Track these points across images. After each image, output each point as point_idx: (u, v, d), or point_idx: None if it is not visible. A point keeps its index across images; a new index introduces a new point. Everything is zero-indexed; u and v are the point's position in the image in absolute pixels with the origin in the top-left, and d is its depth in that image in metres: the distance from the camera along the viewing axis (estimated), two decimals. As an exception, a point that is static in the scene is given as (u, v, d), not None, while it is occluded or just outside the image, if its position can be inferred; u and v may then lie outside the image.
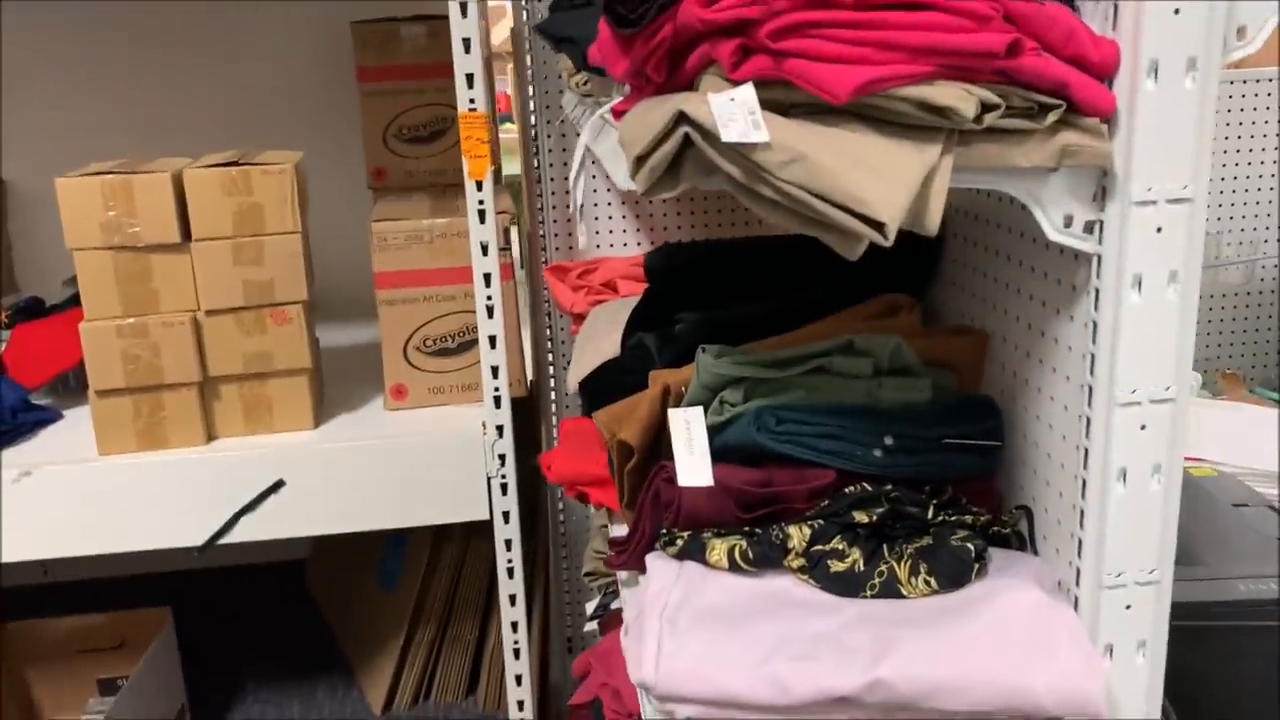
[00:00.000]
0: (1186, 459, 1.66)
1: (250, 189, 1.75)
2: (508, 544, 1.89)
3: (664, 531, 1.01)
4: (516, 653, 1.94)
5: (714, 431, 1.01)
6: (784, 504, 1.00)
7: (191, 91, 2.52)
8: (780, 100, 0.78)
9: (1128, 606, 0.92)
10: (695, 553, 0.98)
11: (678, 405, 1.05)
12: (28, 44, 2.48)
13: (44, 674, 2.15)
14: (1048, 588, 0.95)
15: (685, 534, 1.00)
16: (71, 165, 1.80)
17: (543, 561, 2.36)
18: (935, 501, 1.00)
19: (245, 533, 1.83)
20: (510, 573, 1.91)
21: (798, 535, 0.97)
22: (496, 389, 1.82)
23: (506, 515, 1.87)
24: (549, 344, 2.10)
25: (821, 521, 0.99)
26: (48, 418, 1.93)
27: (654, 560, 1.00)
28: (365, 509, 1.84)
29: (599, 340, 1.48)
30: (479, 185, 1.72)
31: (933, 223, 0.76)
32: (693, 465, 0.99)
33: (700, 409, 1.02)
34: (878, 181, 0.72)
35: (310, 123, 2.51)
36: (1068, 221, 0.86)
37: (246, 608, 2.67)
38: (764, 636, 0.90)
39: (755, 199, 0.75)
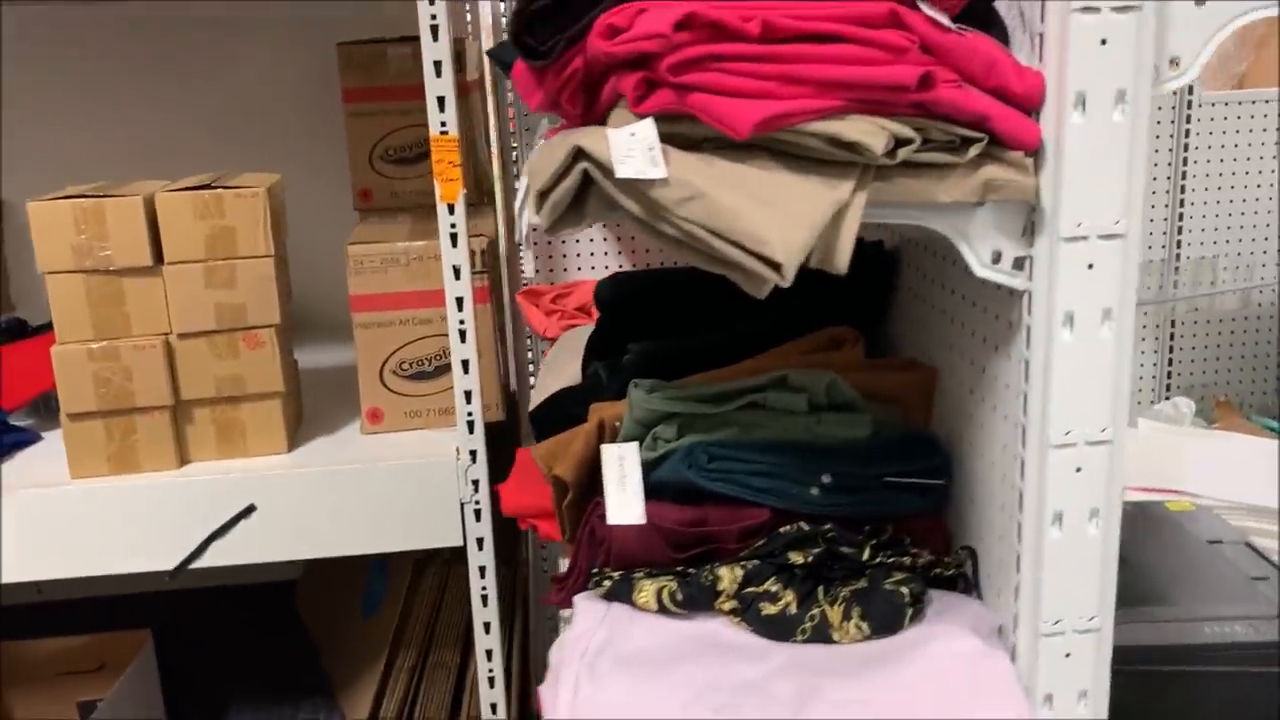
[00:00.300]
0: (1165, 492, 1.63)
1: (223, 212, 1.75)
2: (481, 571, 1.87)
3: (595, 571, 0.99)
4: (491, 681, 1.92)
5: (648, 468, 0.99)
6: (717, 544, 0.97)
7: (185, 112, 2.52)
8: (690, 135, 0.76)
9: (1067, 655, 0.89)
10: (623, 594, 0.96)
11: (614, 440, 1.03)
12: (25, 65, 2.49)
13: (25, 696, 2.15)
14: (985, 635, 0.92)
15: (616, 574, 0.98)
16: (70, 179, 1.81)
17: (523, 587, 2.33)
18: (873, 542, 0.97)
19: (217, 557, 1.82)
20: (485, 600, 1.88)
21: (729, 576, 0.95)
22: (470, 414, 1.80)
23: (481, 542, 1.85)
24: (530, 368, 2.08)
25: (756, 562, 0.96)
26: (26, 439, 1.93)
27: (581, 601, 0.97)
28: (337, 534, 1.83)
29: (561, 367, 1.46)
30: (450, 209, 1.71)
31: (841, 261, 0.74)
32: (624, 503, 0.97)
33: (635, 445, 0.99)
34: (779, 220, 0.70)
35: (300, 143, 2.51)
36: (996, 257, 0.83)
37: (236, 628, 2.66)
38: (687, 684, 0.87)
39: (658, 236, 0.73)
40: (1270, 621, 1.19)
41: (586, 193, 0.74)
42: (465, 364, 1.77)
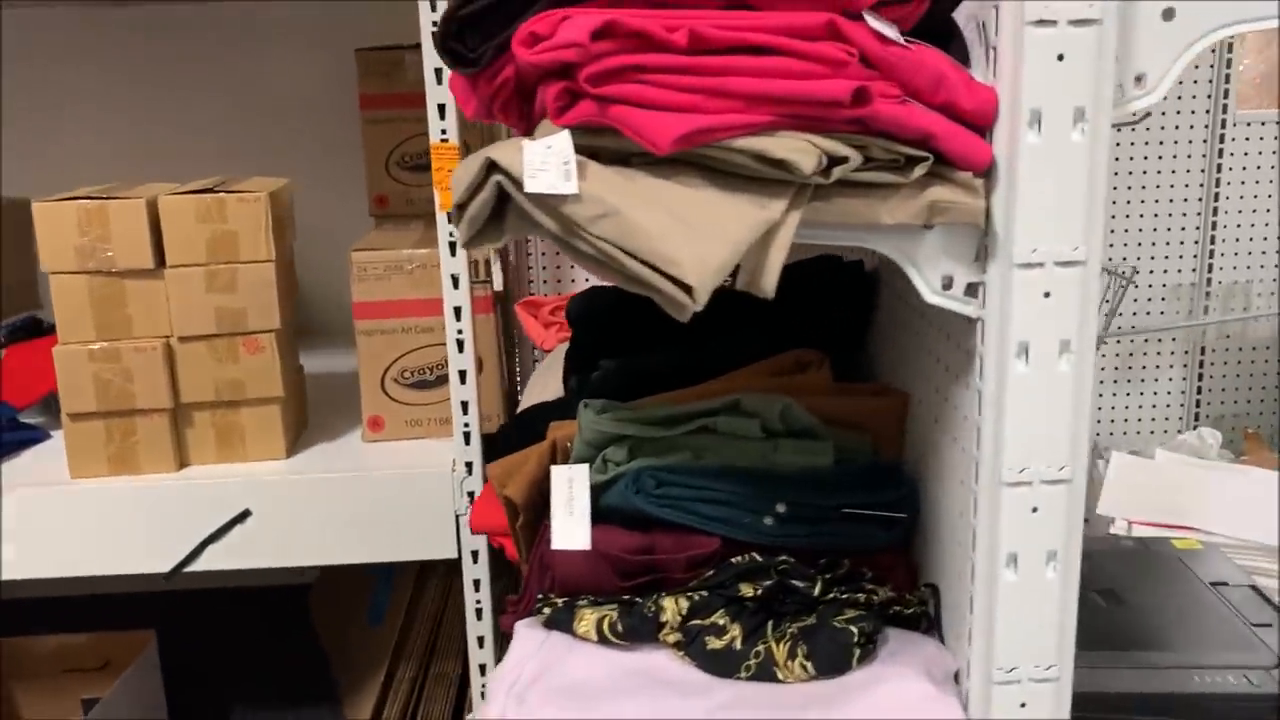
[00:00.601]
0: (1175, 528, 1.55)
1: (225, 216, 1.75)
2: (476, 584, 1.84)
3: (540, 596, 0.96)
4: (485, 695, 1.89)
5: (597, 491, 0.95)
6: (664, 573, 0.93)
7: (204, 116, 2.54)
8: (619, 149, 0.73)
9: (1022, 704, 0.84)
10: (564, 623, 0.92)
11: (566, 461, 0.99)
12: (47, 67, 2.53)
13: (31, 692, 2.17)
14: (939, 679, 0.87)
15: (560, 601, 0.94)
16: (79, 177, 1.82)
17: (528, 600, 2.31)
18: (827, 576, 0.92)
19: (212, 561, 1.81)
20: (479, 614, 1.86)
21: (672, 608, 0.91)
22: (467, 425, 1.78)
23: (475, 555, 1.83)
24: (534, 379, 2.05)
25: (704, 593, 0.92)
26: (34, 437, 1.95)
27: (521, 628, 0.94)
28: (331, 542, 1.82)
29: (548, 381, 1.44)
30: (449, 217, 1.69)
31: (768, 284, 0.70)
32: (569, 527, 0.93)
33: (585, 467, 0.96)
34: (696, 240, 0.66)
35: (319, 149, 2.51)
36: (947, 283, 0.79)
37: (247, 631, 2.66)
38: (619, 720, 0.84)
39: (575, 253, 0.70)
40: (1269, 673, 1.12)
41: (505, 207, 0.71)
42: (463, 374, 1.75)
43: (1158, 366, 2.05)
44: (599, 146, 0.72)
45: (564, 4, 0.72)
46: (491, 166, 0.69)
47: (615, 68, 0.69)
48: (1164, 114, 1.98)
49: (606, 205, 0.67)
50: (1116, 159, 1.98)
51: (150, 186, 1.84)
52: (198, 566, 1.82)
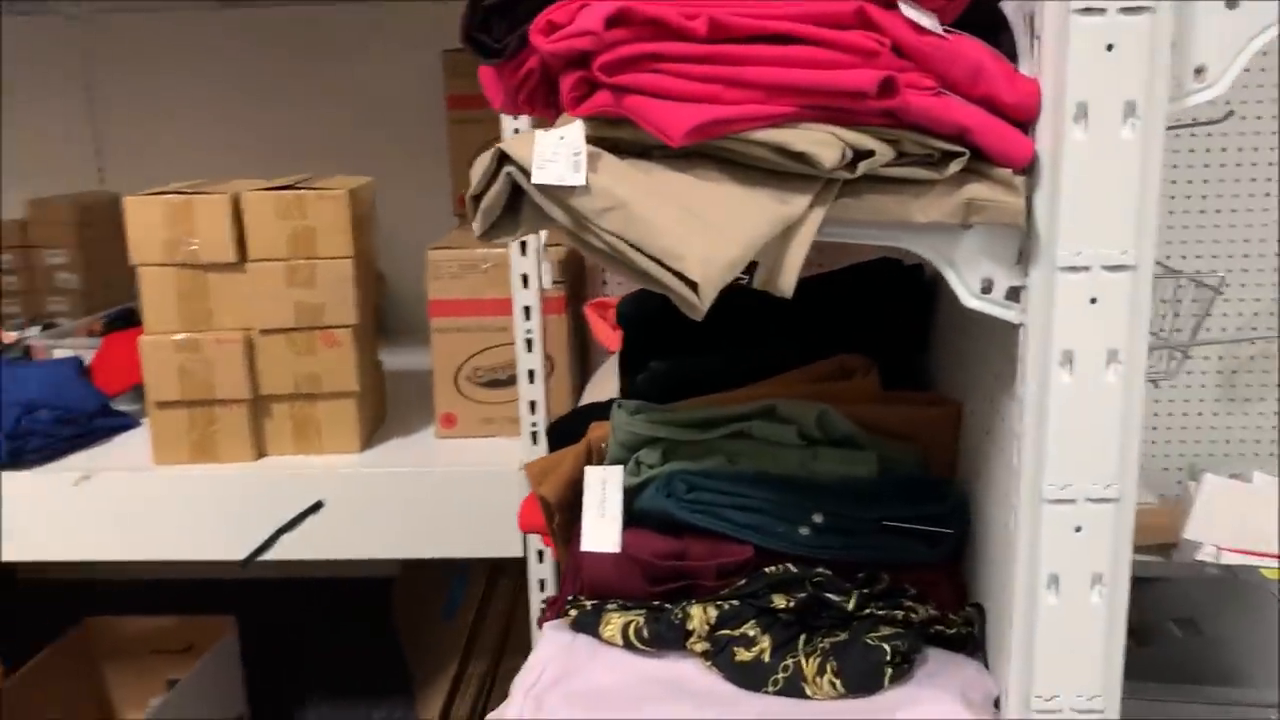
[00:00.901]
0: (1268, 556, 1.46)
1: (305, 213, 1.79)
2: (541, 584, 1.84)
3: (569, 598, 0.94)
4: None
5: (630, 494, 0.93)
6: (694, 579, 0.91)
7: (293, 116, 2.61)
8: (638, 140, 0.71)
9: (1063, 737, 0.79)
10: (590, 625, 0.91)
11: (602, 462, 0.98)
12: (142, 68, 2.63)
13: (120, 671, 2.25)
14: (977, 704, 0.82)
15: (589, 603, 0.93)
16: (181, 174, 1.89)
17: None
18: (864, 591, 0.88)
19: (286, 551, 1.85)
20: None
21: (700, 616, 0.88)
22: (534, 424, 1.78)
23: (541, 554, 1.83)
24: (607, 380, 2.04)
25: (735, 603, 0.90)
26: (124, 424, 2.02)
27: (549, 629, 0.93)
28: (401, 537, 1.84)
29: (605, 383, 1.42)
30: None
31: (786, 283, 0.67)
32: (600, 529, 0.92)
33: (619, 468, 0.94)
34: (705, 235, 0.64)
35: (408, 149, 2.55)
36: (987, 286, 0.74)
37: (329, 622, 2.72)
38: (637, 728, 0.82)
39: (587, 248, 0.68)
40: (1356, 717, 1.04)
41: (520, 200, 0.70)
42: (531, 373, 1.75)
43: (1264, 385, 1.93)
44: (618, 138, 0.71)
45: (587, -9, 0.70)
46: (503, 158, 0.67)
47: (630, 56, 0.67)
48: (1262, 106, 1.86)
49: (615, 198, 0.65)
50: (1206, 157, 1.87)
51: (236, 183, 1.89)
52: (273, 555, 1.86)
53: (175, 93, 2.64)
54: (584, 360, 2.08)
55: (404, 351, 2.40)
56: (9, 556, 1.87)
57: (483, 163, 0.69)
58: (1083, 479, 0.74)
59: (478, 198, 0.70)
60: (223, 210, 1.77)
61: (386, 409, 2.09)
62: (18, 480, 1.82)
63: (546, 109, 0.78)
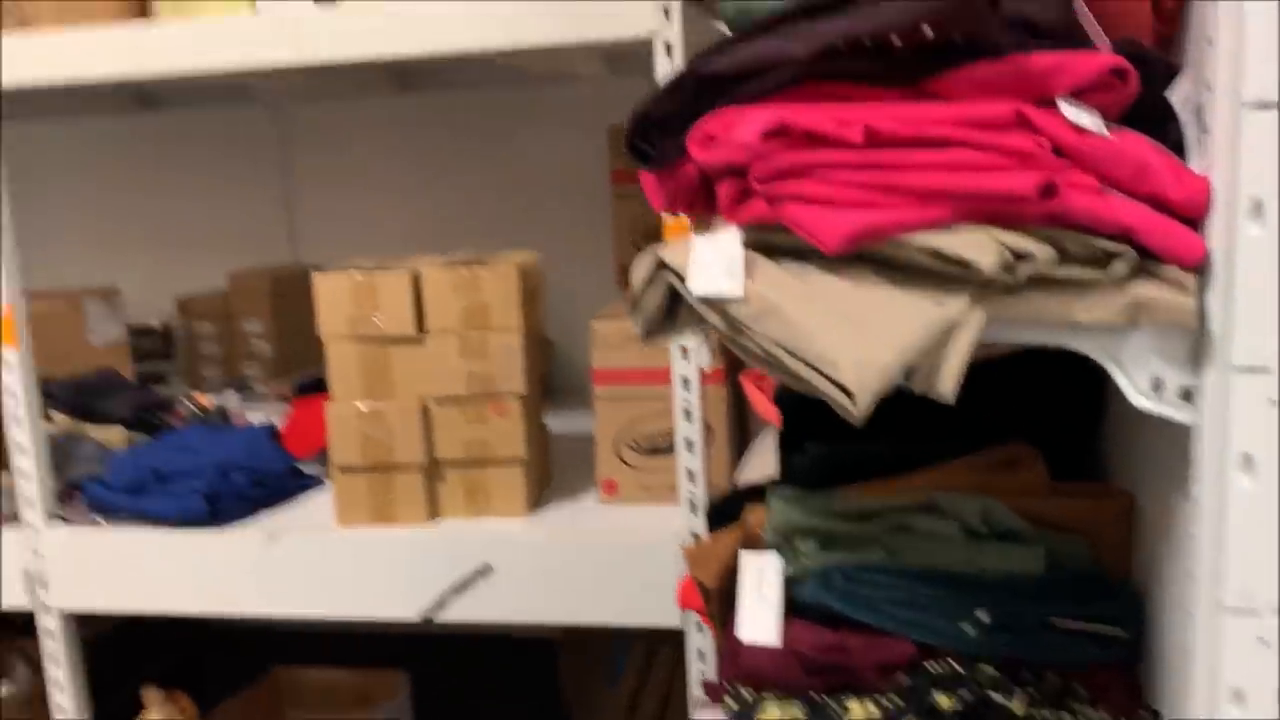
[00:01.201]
0: None
1: (478, 288, 1.87)
2: (700, 655, 1.84)
3: (727, 685, 0.95)
4: (707, 767, 1.88)
5: (787, 583, 0.94)
6: (853, 674, 0.90)
7: (469, 190, 2.74)
8: (794, 244, 0.72)
9: None
10: (747, 718, 0.91)
11: (759, 547, 0.98)
12: (332, 149, 2.82)
13: (301, 718, 2.36)
14: (1155, 821, 0.78)
15: (746, 690, 0.93)
16: (366, 248, 2.02)
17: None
18: (1032, 692, 0.86)
19: (456, 613, 1.91)
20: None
21: (860, 712, 0.87)
22: (693, 493, 1.79)
23: (700, 625, 1.83)
24: (768, 449, 2.04)
25: (896, 700, 0.88)
26: (310, 484, 2.14)
27: (705, 715, 0.93)
28: (563, 601, 1.87)
29: (760, 458, 1.43)
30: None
31: (945, 388, 0.67)
32: (758, 617, 0.92)
33: (775, 555, 0.95)
34: (859, 341, 0.65)
35: (574, 221, 2.64)
36: (1156, 385, 0.72)
37: (498, 680, 2.78)
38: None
39: (743, 351, 0.70)
40: None
41: (677, 303, 0.72)
42: (690, 443, 1.77)
43: None
44: (773, 242, 0.72)
45: (743, 100, 0.72)
46: (661, 265, 0.70)
47: (786, 167, 0.69)
48: None
49: (770, 304, 0.67)
50: None
51: (416, 260, 2.00)
52: (445, 616, 1.92)
53: (361, 171, 2.81)
54: (743, 429, 2.09)
55: (570, 414, 2.47)
56: (203, 610, 2.00)
57: (642, 267, 0.72)
58: (1267, 589, 0.71)
59: (636, 302, 0.73)
60: (403, 287, 1.87)
61: (552, 472, 2.14)
62: (212, 537, 1.95)
63: (705, 210, 0.80)
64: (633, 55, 1.83)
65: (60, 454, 2.06)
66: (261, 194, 2.88)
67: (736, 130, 0.69)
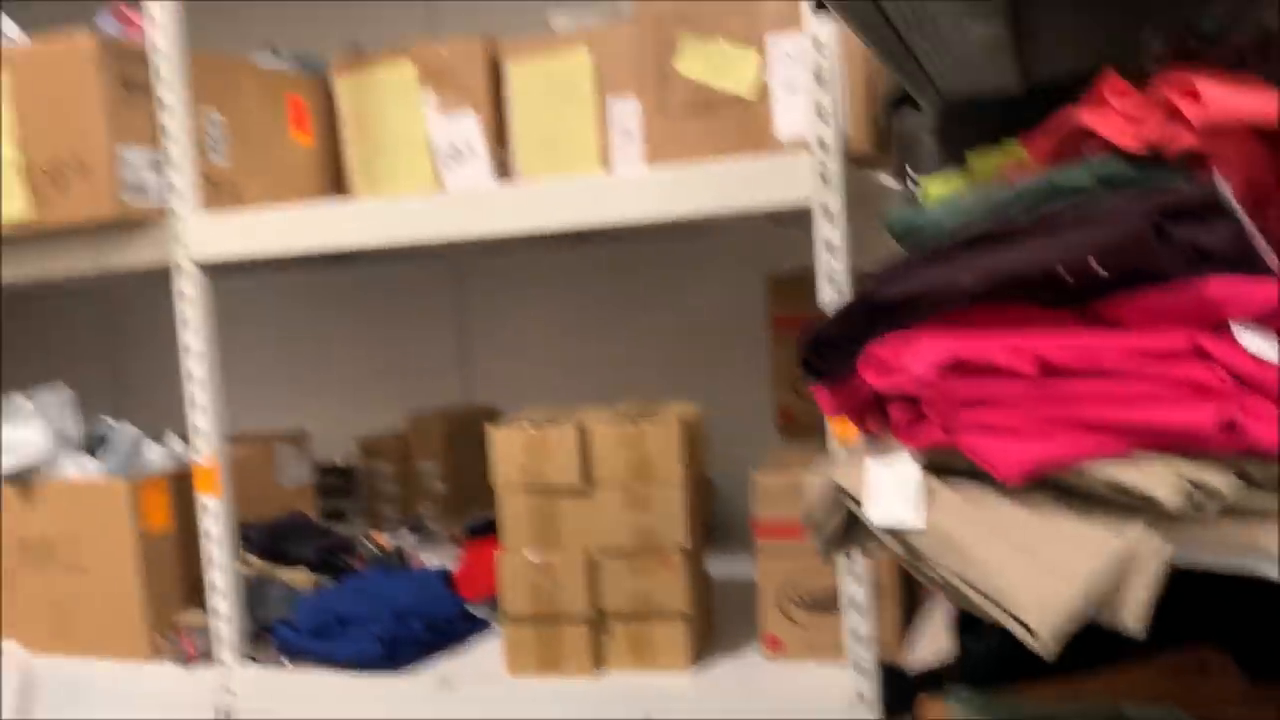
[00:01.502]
0: None
1: (642, 442, 1.93)
2: (871, 822, 1.79)
3: None
4: None
5: (967, 786, 0.92)
6: None
7: (631, 337, 2.84)
8: (969, 467, 0.74)
9: None
10: None
11: (936, 747, 0.97)
12: (505, 298, 2.97)
13: None
14: None
15: None
16: (534, 391, 2.10)
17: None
18: None
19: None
20: None
21: None
22: (861, 654, 1.77)
23: (870, 792, 1.78)
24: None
25: None
26: (480, 628, 2.20)
27: None
28: (728, 762, 1.86)
29: (935, 628, 1.41)
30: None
31: (1130, 620, 0.66)
32: (936, 823, 0.91)
33: (954, 757, 0.93)
34: (1040, 577, 0.65)
35: (732, 366, 2.69)
36: (1359, 616, 0.70)
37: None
38: None
39: (921, 575, 0.71)
40: None
41: (856, 522, 0.75)
42: (857, 604, 1.76)
43: None
44: (949, 464, 0.74)
45: (913, 325, 0.75)
46: (838, 490, 0.72)
47: (959, 398, 0.71)
48: None
49: (949, 536, 0.68)
50: None
51: (582, 412, 2.07)
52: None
53: (531, 318, 2.95)
54: (911, 589, 2.05)
55: (731, 558, 2.48)
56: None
57: (816, 488, 0.75)
58: None
59: (813, 520, 0.76)
60: (571, 441, 1.94)
61: (715, 622, 2.15)
62: (389, 682, 2.03)
63: (877, 425, 0.82)
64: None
65: (253, 596, 2.19)
66: (438, 339, 3.05)
67: (908, 360, 0.72)
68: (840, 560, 1.75)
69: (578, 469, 1.95)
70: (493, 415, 2.97)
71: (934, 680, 1.15)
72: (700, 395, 2.15)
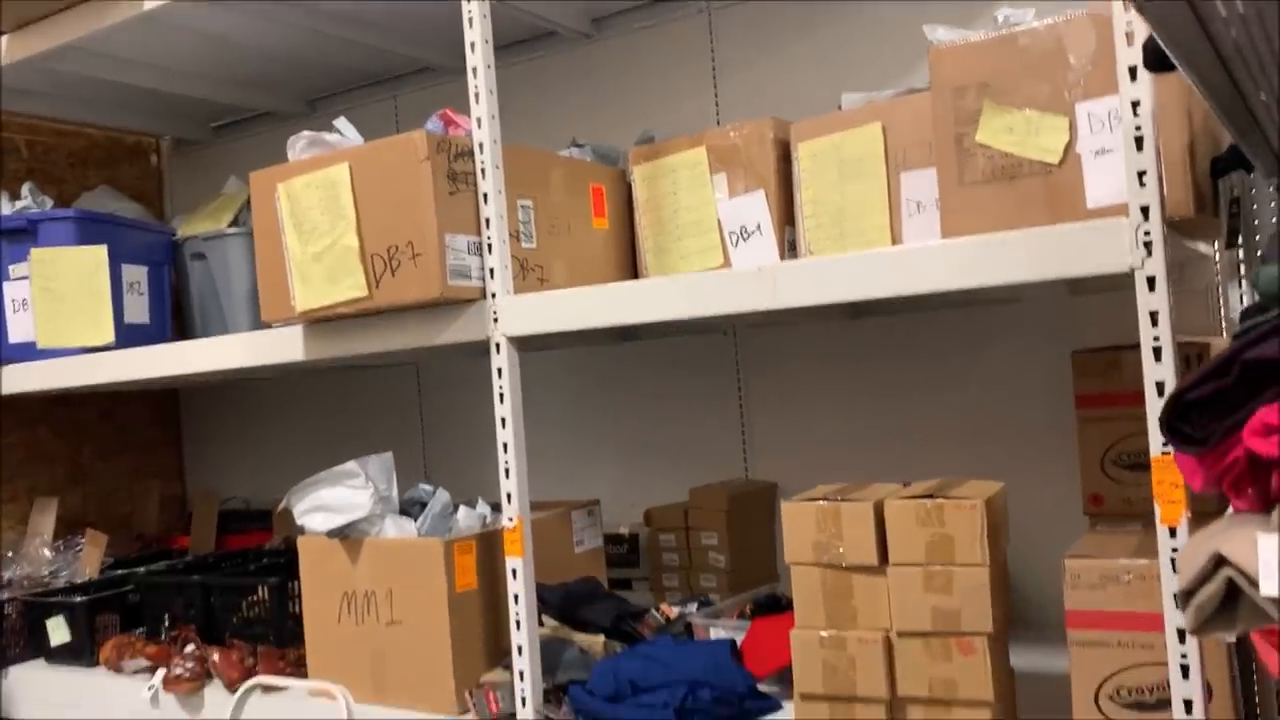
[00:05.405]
0: None
1: (943, 521, 1.87)
2: None
3: None
4: None
5: None
6: None
7: (923, 413, 2.76)
8: (1374, 541, 0.67)
9: None
10: None
11: None
12: (788, 372, 2.97)
13: None
14: None
15: None
16: (815, 466, 2.09)
17: None
18: None
19: None
20: None
21: None
22: (1194, 760, 1.61)
23: None
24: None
25: None
26: (769, 706, 2.18)
27: None
28: None
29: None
30: (1172, 532, 1.62)
31: None
32: None
33: None
34: None
35: (1034, 445, 2.57)
36: None
37: None
38: None
39: (1323, 660, 0.65)
40: None
41: (1237, 598, 0.69)
42: (1188, 704, 1.61)
43: None
44: (1350, 539, 0.68)
45: (1301, 390, 0.70)
46: (1220, 561, 0.68)
47: (1366, 465, 0.65)
48: None
49: (1360, 616, 0.62)
50: None
51: (876, 488, 2.04)
52: None
53: (811, 393, 2.95)
54: (1248, 685, 1.86)
55: (1027, 651, 2.34)
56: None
57: (1195, 560, 0.70)
58: None
59: (1189, 594, 0.71)
60: (866, 518, 1.91)
61: (1018, 716, 2.02)
62: (680, 752, 2.04)
63: (1254, 497, 0.77)
64: (1090, 278, 1.80)
65: (548, 656, 2.27)
66: (719, 413, 3.09)
67: (1305, 425, 0.67)
68: (1171, 655, 1.61)
69: (873, 547, 1.91)
70: (774, 490, 2.98)
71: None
72: (995, 478, 2.07)
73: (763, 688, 2.23)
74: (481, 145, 2.23)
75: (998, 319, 2.68)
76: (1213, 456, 0.77)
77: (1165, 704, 1.73)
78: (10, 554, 3.43)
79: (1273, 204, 1.82)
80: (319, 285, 2.34)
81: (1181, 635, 1.61)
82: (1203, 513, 1.62)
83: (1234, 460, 0.76)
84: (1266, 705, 1.87)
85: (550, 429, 3.25)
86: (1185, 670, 1.61)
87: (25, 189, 3.24)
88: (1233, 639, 0.68)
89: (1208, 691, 1.66)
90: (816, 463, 2.78)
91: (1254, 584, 0.66)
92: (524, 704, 2.20)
